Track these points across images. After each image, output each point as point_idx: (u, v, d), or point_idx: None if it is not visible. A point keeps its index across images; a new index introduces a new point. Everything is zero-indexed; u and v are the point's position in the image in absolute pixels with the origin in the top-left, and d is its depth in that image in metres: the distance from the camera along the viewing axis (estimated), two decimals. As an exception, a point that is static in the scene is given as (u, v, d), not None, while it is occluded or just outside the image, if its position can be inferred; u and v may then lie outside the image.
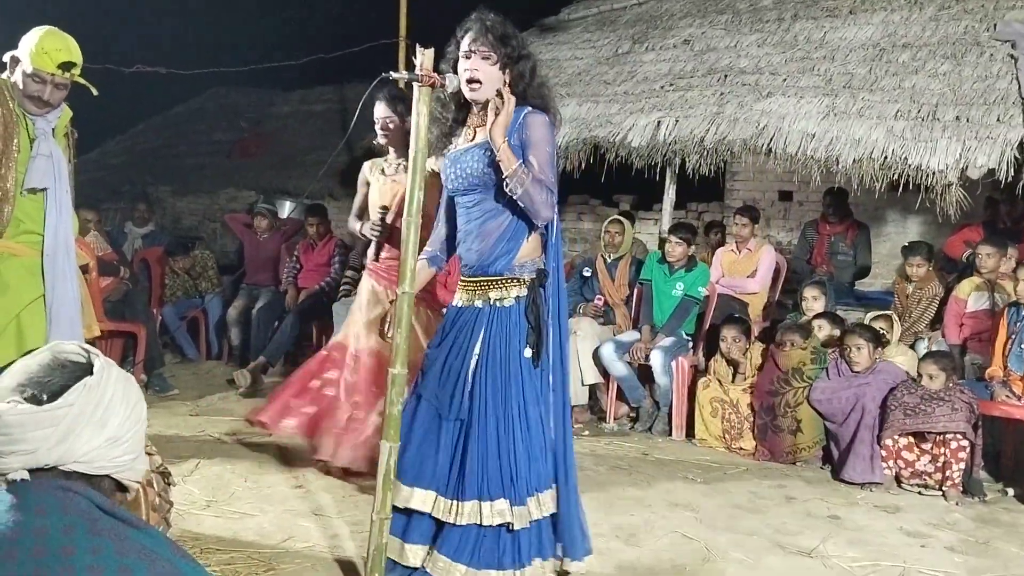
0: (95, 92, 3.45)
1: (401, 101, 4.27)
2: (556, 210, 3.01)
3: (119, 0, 13.64)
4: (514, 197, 2.82)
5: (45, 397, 1.45)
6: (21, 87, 3.31)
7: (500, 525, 2.87)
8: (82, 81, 3.40)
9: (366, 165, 4.57)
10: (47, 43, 3.29)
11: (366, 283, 4.48)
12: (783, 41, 7.31)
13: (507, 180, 2.81)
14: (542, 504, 2.91)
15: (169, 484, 2.63)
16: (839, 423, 4.91)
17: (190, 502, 3.83)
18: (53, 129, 3.43)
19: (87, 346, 1.57)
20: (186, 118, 13.67)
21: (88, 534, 1.38)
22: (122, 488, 1.57)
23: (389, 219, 4.34)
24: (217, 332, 7.61)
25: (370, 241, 4.41)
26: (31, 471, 1.44)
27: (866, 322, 5.37)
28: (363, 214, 4.53)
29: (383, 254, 4.44)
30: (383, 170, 4.48)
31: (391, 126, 4.33)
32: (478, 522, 2.86)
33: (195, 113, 13.70)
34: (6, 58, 3.38)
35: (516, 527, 2.86)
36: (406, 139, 4.11)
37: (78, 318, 3.47)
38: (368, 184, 4.52)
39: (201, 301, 7.54)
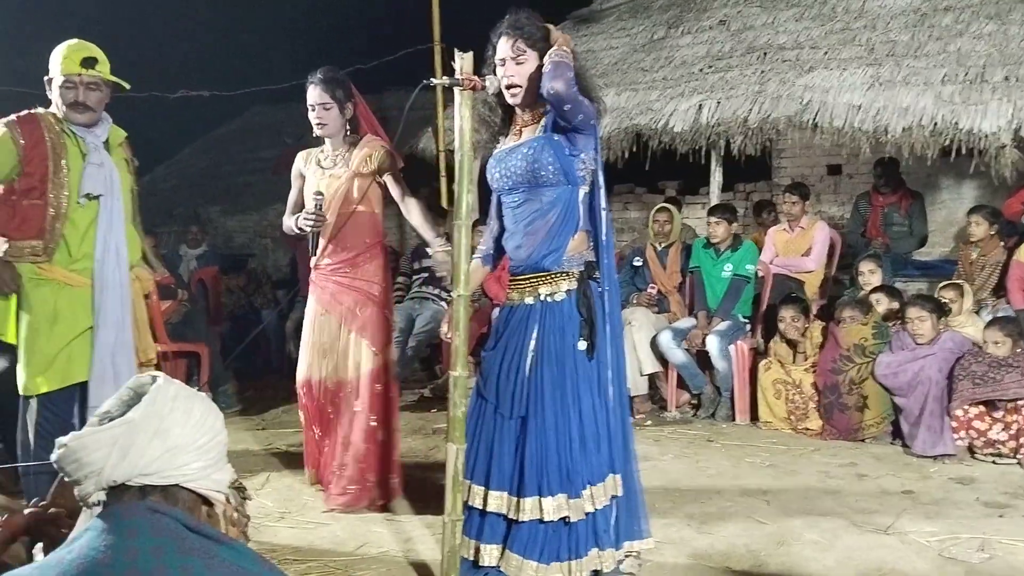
0: (127, 87, 3.53)
1: (339, 85, 3.88)
2: (607, 209, 3.01)
3: (158, 27, 13.89)
4: (545, 60, 2.82)
5: (108, 422, 1.51)
6: (61, 101, 3.42)
7: (560, 519, 2.89)
8: (113, 79, 3.48)
9: (300, 156, 4.10)
10: (66, 49, 3.42)
11: (310, 299, 4.06)
12: (821, 13, 7.21)
13: (551, 51, 2.83)
14: (595, 496, 2.91)
15: (245, 498, 2.68)
16: (907, 396, 4.83)
17: (264, 515, 3.89)
18: (105, 144, 3.52)
19: (155, 372, 1.62)
20: (230, 138, 13.88)
21: (177, 553, 1.42)
22: (207, 502, 1.61)
23: (327, 212, 3.88)
24: (276, 346, 7.73)
25: (306, 240, 3.91)
26: (109, 493, 1.49)
27: (936, 293, 5.27)
28: (298, 211, 4.02)
29: (326, 260, 3.98)
30: (319, 162, 4.00)
31: (328, 112, 3.88)
32: (540, 518, 2.88)
33: (238, 133, 13.91)
34: (45, 81, 3.49)
35: (572, 519, 2.88)
36: (344, 128, 3.96)
37: (127, 329, 3.53)
38: (303, 178, 4.05)
39: (258, 316, 7.66)
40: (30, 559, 1.75)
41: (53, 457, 1.52)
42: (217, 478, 1.60)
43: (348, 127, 3.97)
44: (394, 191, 4.00)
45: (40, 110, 3.47)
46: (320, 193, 3.85)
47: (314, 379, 4.03)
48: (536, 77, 2.89)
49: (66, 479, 1.52)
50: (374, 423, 3.96)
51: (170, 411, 1.54)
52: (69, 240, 3.42)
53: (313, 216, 3.82)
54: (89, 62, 3.39)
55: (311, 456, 4.21)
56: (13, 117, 3.41)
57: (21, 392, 3.42)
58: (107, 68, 3.45)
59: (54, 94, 3.45)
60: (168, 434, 1.52)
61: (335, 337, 3.98)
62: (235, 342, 7.47)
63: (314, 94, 3.86)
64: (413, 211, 4.05)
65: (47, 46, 3.47)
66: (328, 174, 3.94)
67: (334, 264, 3.96)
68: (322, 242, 3.95)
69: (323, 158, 3.99)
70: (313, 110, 3.87)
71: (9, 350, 3.63)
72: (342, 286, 3.97)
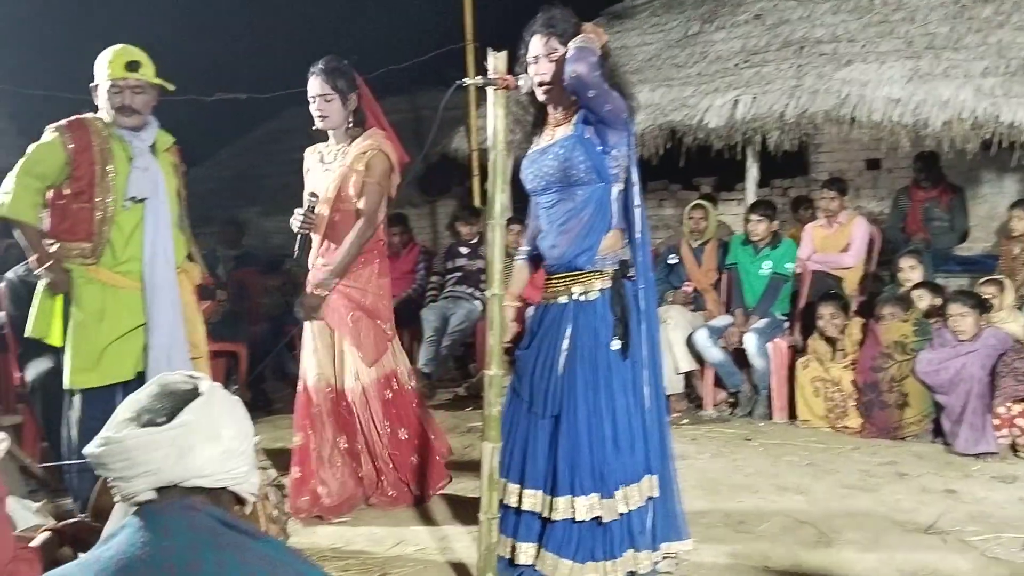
0: (171, 88, 3.58)
1: (341, 75, 3.71)
2: (642, 206, 2.99)
3: (195, 31, 14.05)
4: (569, 44, 2.83)
5: (162, 420, 1.52)
6: (108, 106, 3.48)
7: (592, 518, 2.88)
8: (157, 81, 3.54)
9: (307, 152, 3.96)
10: (111, 55, 3.49)
11: None
12: (859, 6, 7.11)
13: (575, 38, 2.85)
14: (629, 497, 2.90)
15: (284, 496, 2.71)
16: (948, 394, 4.76)
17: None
18: (152, 148, 3.57)
19: (191, 372, 1.65)
20: (266, 140, 13.99)
21: (213, 549, 1.45)
22: (240, 501, 1.64)
23: (321, 210, 3.74)
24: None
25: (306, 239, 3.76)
26: (157, 491, 1.51)
27: (976, 288, 5.19)
28: None
29: (320, 260, 3.83)
30: (322, 157, 3.86)
31: (329, 104, 3.72)
32: (572, 517, 2.87)
33: (274, 134, 14.01)
34: (91, 88, 3.56)
35: (605, 519, 2.87)
36: (347, 121, 3.78)
37: (179, 328, 3.58)
38: (309, 172, 3.92)
39: (295, 317, 7.71)
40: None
41: (93, 451, 1.53)
42: (253, 481, 1.64)
43: (352, 119, 3.81)
44: (365, 197, 3.74)
45: (89, 115, 3.54)
46: (314, 195, 3.72)
47: (333, 385, 3.88)
48: None
49: (108, 476, 1.54)
50: (389, 428, 3.86)
51: (219, 415, 1.57)
52: (114, 243, 3.48)
53: (303, 216, 3.69)
54: (133, 65, 3.45)
55: (305, 480, 3.91)
56: (63, 122, 3.48)
57: (65, 385, 3.48)
58: (151, 71, 3.51)
59: (101, 99, 3.52)
60: (220, 438, 1.56)
61: (331, 344, 3.85)
62: (273, 342, 7.55)
63: (314, 85, 3.71)
64: (352, 232, 3.76)
65: (95, 52, 3.53)
66: (325, 168, 3.80)
67: (327, 265, 3.80)
68: (316, 240, 3.81)
69: (326, 152, 3.85)
70: (313, 101, 3.73)
71: (52, 352, 3.69)
72: (335, 293, 3.79)
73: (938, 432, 4.91)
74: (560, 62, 2.88)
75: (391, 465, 3.92)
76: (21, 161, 3.42)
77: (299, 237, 3.73)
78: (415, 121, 11.70)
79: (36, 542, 2.19)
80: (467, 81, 2.92)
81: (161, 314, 3.51)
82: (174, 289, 3.58)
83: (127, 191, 3.46)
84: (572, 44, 2.82)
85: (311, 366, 3.88)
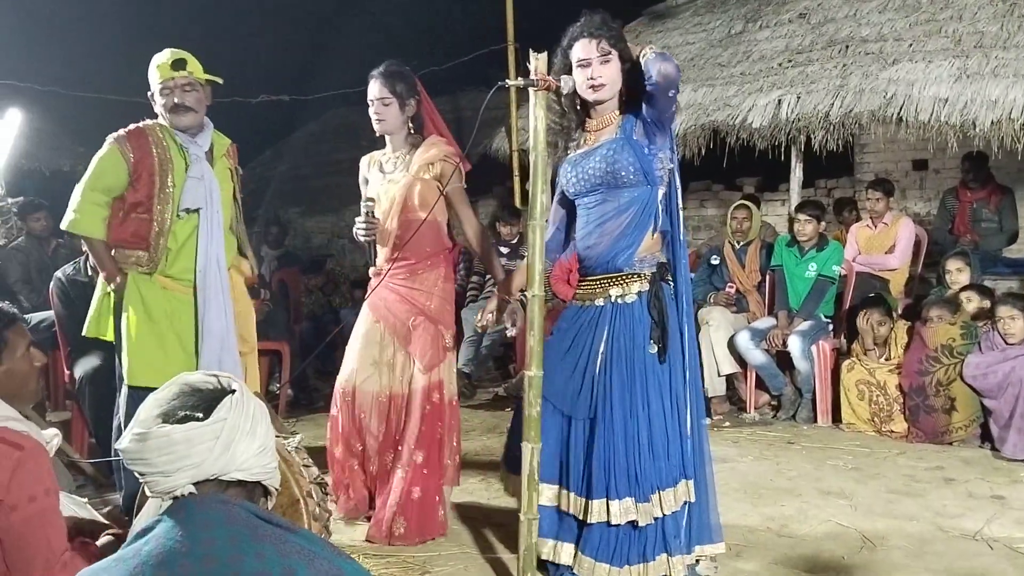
0: (220, 81, 3.59)
1: (401, 80, 3.61)
2: (680, 209, 2.98)
3: (238, 34, 14.23)
4: (645, 51, 2.84)
5: (200, 415, 1.55)
6: (163, 109, 3.50)
7: (627, 522, 2.87)
8: (207, 76, 3.54)
9: (363, 161, 3.86)
10: (156, 59, 3.50)
11: (364, 305, 3.82)
12: (905, 4, 7.00)
13: (646, 47, 2.87)
14: (664, 501, 2.88)
15: (327, 494, 2.73)
16: (996, 398, 4.67)
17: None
18: (208, 153, 3.59)
19: (214, 372, 1.68)
20: (308, 141, 14.13)
21: (252, 541, 1.48)
22: (266, 494, 1.68)
23: (383, 217, 3.63)
24: (354, 344, 7.84)
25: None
26: (196, 484, 1.54)
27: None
28: None
29: (384, 267, 3.72)
30: (381, 166, 3.75)
31: (387, 108, 3.62)
32: (607, 520, 2.86)
33: (316, 136, 14.15)
34: (149, 96, 3.58)
35: (641, 523, 2.85)
36: (406, 126, 3.68)
37: (231, 334, 3.60)
38: (368, 183, 3.81)
39: (336, 315, 7.78)
40: None
41: (130, 447, 1.55)
42: (278, 476, 1.69)
43: (411, 125, 3.71)
44: (459, 212, 3.70)
45: (147, 122, 3.53)
46: (371, 199, 3.64)
47: (358, 389, 3.72)
48: (621, 76, 2.92)
49: (145, 472, 1.55)
50: (414, 445, 3.60)
51: (254, 410, 1.61)
52: (169, 253, 3.50)
53: (365, 224, 3.60)
54: (179, 64, 3.47)
55: (339, 482, 3.81)
56: (122, 132, 3.47)
57: (129, 382, 3.42)
58: (198, 68, 3.50)
59: (157, 105, 3.54)
60: (256, 433, 1.59)
61: (383, 348, 3.71)
62: (314, 341, 7.62)
63: (374, 88, 3.63)
64: (480, 241, 3.79)
65: (144, 55, 3.56)
66: (388, 179, 3.70)
67: (392, 272, 3.70)
68: (380, 250, 3.71)
69: (384, 161, 3.76)
70: (372, 105, 3.64)
71: (101, 349, 3.72)
72: (398, 296, 3.70)
73: (986, 437, 4.83)
74: (623, 60, 2.90)
75: (399, 493, 3.58)
76: (86, 176, 3.42)
77: (369, 246, 3.65)
78: (456, 122, 11.73)
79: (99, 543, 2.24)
80: (509, 82, 2.92)
81: (213, 321, 3.52)
82: (226, 296, 3.58)
83: (182, 201, 3.46)
84: (648, 50, 2.84)
85: (347, 365, 3.79)
